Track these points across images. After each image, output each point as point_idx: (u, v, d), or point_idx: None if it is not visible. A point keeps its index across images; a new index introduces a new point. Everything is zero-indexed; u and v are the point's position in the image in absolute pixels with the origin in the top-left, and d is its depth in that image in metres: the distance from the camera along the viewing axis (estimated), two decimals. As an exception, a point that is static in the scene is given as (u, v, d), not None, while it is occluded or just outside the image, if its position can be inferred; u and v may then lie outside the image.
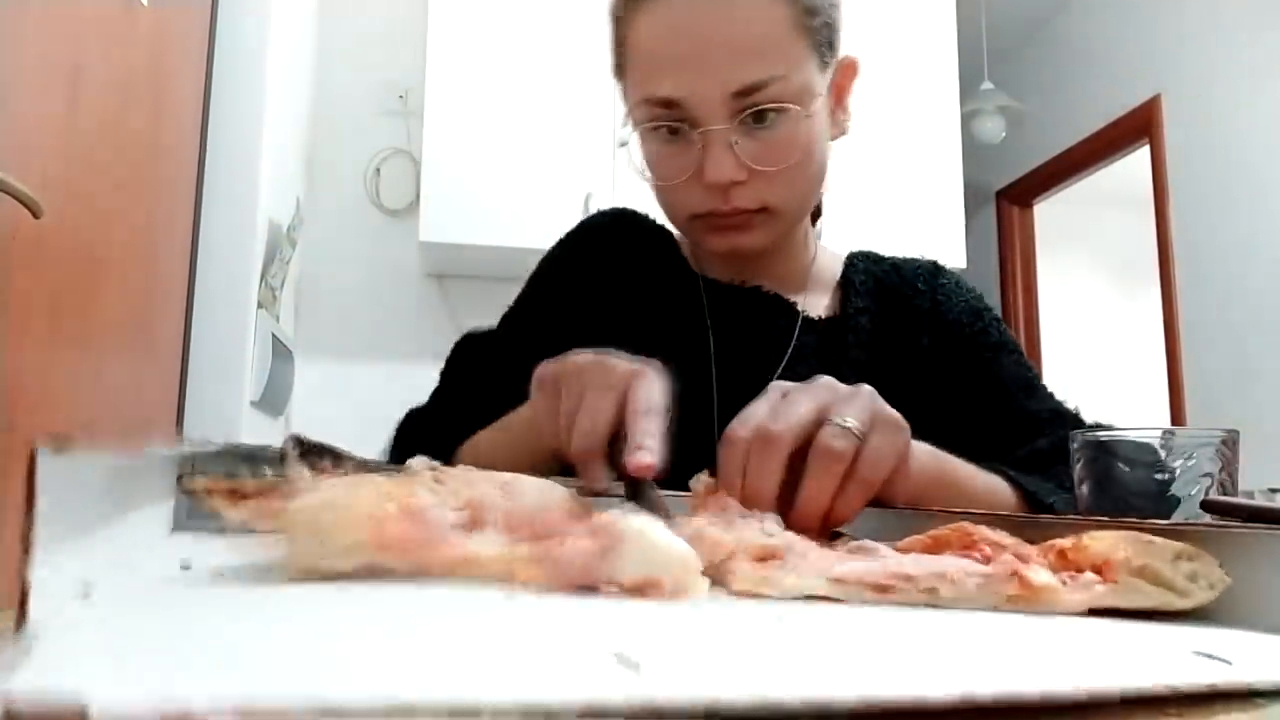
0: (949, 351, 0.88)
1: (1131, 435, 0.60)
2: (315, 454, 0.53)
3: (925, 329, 0.89)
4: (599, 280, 0.92)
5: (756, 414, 0.51)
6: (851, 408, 0.50)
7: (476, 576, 0.35)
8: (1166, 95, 3.35)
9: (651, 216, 0.97)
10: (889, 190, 2.75)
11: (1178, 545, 0.35)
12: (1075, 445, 0.63)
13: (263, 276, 2.07)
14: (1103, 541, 0.36)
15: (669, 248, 0.95)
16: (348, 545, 0.34)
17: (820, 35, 0.79)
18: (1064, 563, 0.37)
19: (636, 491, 0.50)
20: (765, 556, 0.39)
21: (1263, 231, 2.95)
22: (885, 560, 0.39)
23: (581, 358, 0.57)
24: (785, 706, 0.17)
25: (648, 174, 0.82)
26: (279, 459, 0.53)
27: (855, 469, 0.49)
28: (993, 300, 4.35)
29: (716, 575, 0.38)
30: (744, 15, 0.74)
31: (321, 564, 0.33)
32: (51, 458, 0.27)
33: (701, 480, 0.51)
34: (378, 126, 2.83)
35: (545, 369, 0.58)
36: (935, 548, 0.39)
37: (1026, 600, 0.35)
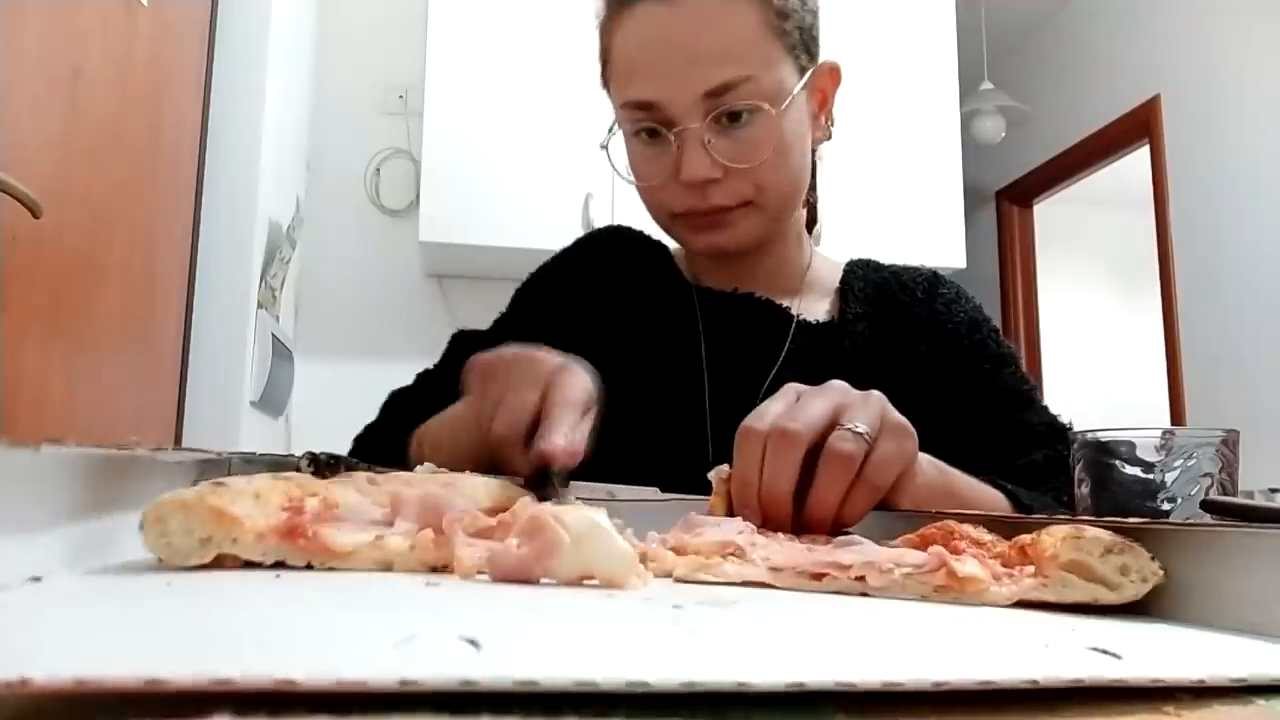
0: (947, 360, 0.88)
1: (1131, 435, 0.60)
2: (330, 467, 0.54)
3: (924, 337, 0.90)
4: (593, 290, 0.94)
5: (772, 410, 0.52)
6: (863, 413, 0.51)
7: (362, 566, 0.38)
8: (1166, 95, 3.35)
9: (647, 232, 0.99)
10: (889, 190, 2.75)
11: (1108, 539, 0.35)
12: (1075, 445, 0.63)
13: (263, 276, 2.07)
14: (1054, 536, 0.36)
15: (663, 260, 0.96)
16: (252, 535, 0.35)
17: (793, 38, 0.81)
18: (1024, 558, 0.37)
19: (543, 480, 0.51)
20: (726, 552, 0.40)
21: (1263, 231, 2.95)
22: (821, 550, 0.40)
23: (510, 351, 0.59)
24: (599, 686, 0.17)
25: (631, 176, 0.85)
26: (295, 471, 0.53)
27: (864, 473, 0.50)
28: (992, 300, 4.35)
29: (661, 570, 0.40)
30: (713, 19, 0.77)
31: (190, 558, 0.35)
32: (8, 455, 0.28)
33: (722, 471, 0.53)
34: (378, 126, 2.83)
35: (476, 361, 0.60)
36: (921, 545, 0.40)
37: (953, 591, 0.36)
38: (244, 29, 1.97)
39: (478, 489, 0.48)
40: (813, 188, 0.97)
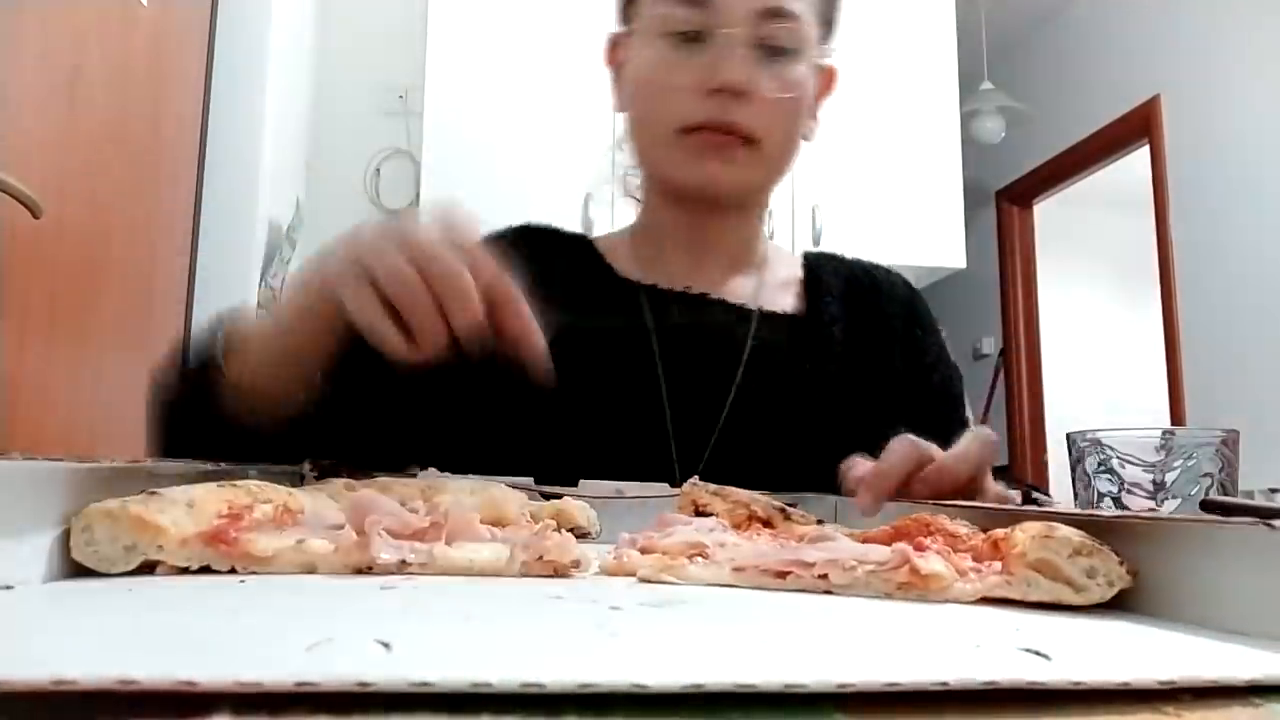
0: (914, 385, 0.86)
1: (1131, 435, 0.60)
2: (331, 474, 0.54)
3: (900, 352, 0.87)
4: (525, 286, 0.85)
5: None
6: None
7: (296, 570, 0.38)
8: (1166, 95, 3.35)
9: (564, 228, 0.94)
10: (889, 190, 2.75)
11: (1077, 540, 0.34)
12: (1075, 445, 0.63)
13: (263, 276, 2.07)
14: (1026, 533, 0.36)
15: (592, 256, 0.90)
16: (179, 541, 0.36)
17: (826, 13, 0.81)
18: (995, 552, 0.37)
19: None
20: (693, 554, 0.40)
21: (1263, 231, 2.95)
22: (784, 548, 0.40)
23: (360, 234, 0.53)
24: (493, 688, 0.18)
25: (644, 78, 0.81)
26: (298, 479, 0.53)
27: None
28: (992, 300, 4.35)
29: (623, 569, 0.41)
30: None
31: (116, 564, 0.35)
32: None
33: (692, 482, 0.56)
34: (378, 126, 2.83)
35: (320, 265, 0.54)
36: (897, 536, 0.40)
37: (917, 588, 0.36)
38: (244, 29, 1.97)
39: (462, 492, 0.48)
40: None
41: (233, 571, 0.36)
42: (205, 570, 0.36)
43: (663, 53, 0.79)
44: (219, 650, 0.22)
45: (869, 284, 0.91)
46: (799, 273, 0.91)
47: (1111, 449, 0.61)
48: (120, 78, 1.41)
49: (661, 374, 0.80)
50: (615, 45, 0.87)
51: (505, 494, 0.50)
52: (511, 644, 0.24)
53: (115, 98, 1.40)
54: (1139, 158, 3.53)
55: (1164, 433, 0.60)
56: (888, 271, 0.94)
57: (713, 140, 0.78)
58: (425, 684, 0.18)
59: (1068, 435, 0.65)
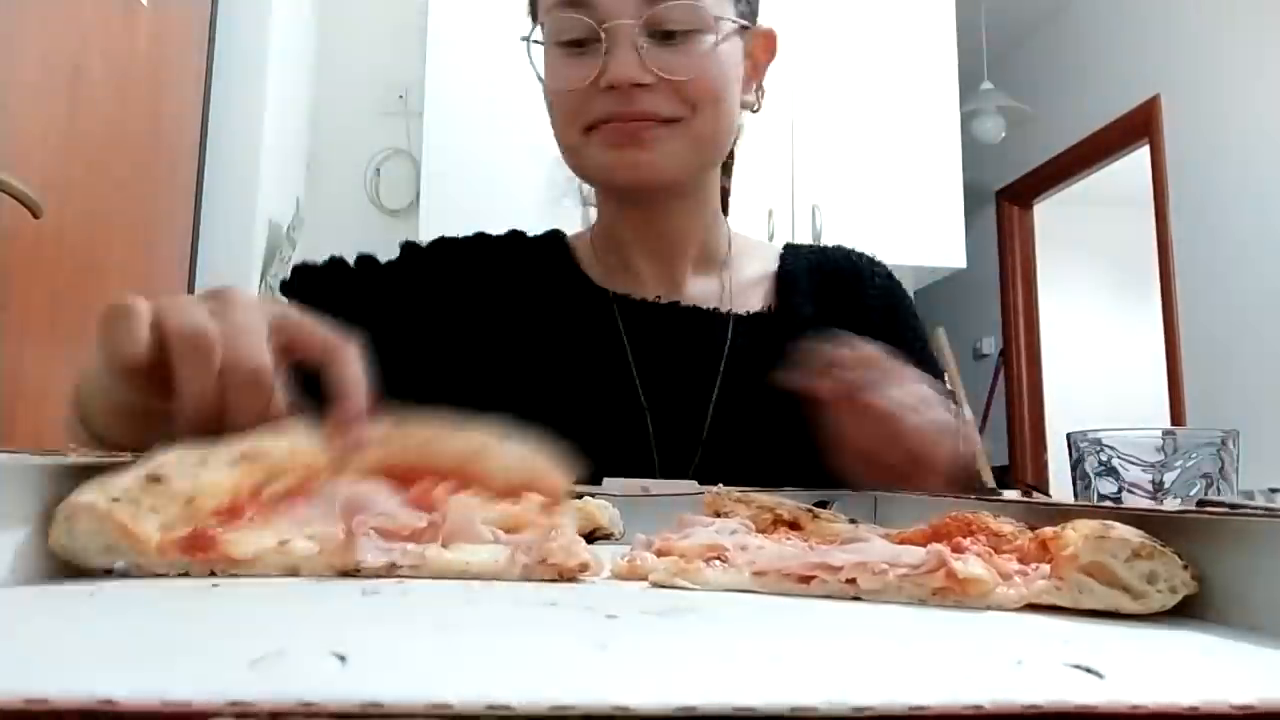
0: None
1: (1131, 435, 0.60)
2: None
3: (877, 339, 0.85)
4: (491, 282, 0.86)
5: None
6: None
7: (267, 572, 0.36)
8: (1166, 95, 3.35)
9: (531, 233, 0.93)
10: (889, 190, 2.75)
11: (1136, 542, 0.31)
12: (1075, 445, 0.63)
13: (263, 276, 2.07)
14: (1079, 531, 0.32)
15: (565, 259, 0.89)
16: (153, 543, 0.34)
17: None
18: (1044, 552, 0.34)
19: None
20: (711, 556, 0.38)
21: (1263, 231, 2.95)
22: (812, 550, 0.37)
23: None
24: (453, 710, 0.16)
25: (547, 87, 0.81)
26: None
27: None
28: (992, 300, 4.35)
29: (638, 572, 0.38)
30: None
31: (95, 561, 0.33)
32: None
33: (714, 491, 0.54)
34: (378, 126, 2.82)
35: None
36: (935, 537, 0.37)
37: (954, 594, 0.32)
38: (244, 29, 1.97)
39: (507, 457, 0.44)
40: (727, 170, 0.90)
41: (213, 574, 0.34)
42: (186, 572, 0.34)
43: (555, 56, 0.79)
44: (156, 663, 0.20)
45: (848, 273, 0.89)
46: (773, 266, 0.89)
47: (1112, 449, 0.61)
48: (120, 78, 1.41)
49: (641, 391, 0.79)
50: (528, 36, 0.84)
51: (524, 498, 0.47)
52: (485, 658, 0.22)
53: (115, 98, 1.40)
54: (1139, 158, 3.53)
55: (1164, 433, 0.60)
56: (870, 260, 0.92)
57: (622, 129, 0.76)
58: (375, 704, 0.16)
59: (1068, 435, 0.65)
